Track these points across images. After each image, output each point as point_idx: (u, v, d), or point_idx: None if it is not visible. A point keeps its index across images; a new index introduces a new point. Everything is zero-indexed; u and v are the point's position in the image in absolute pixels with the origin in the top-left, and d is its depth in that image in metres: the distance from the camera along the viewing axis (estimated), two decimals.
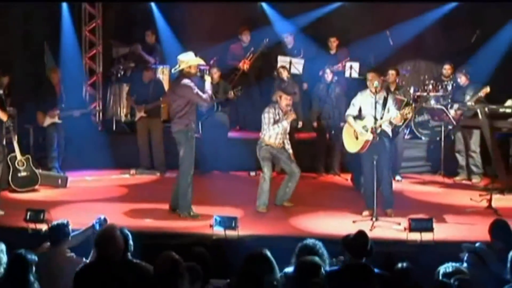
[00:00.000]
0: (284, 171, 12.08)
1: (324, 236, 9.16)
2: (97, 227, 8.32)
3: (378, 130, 10.82)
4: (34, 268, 6.99)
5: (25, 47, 15.11)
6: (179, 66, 11.08)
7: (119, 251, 7.17)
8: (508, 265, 6.58)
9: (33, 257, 7.11)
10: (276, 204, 11.64)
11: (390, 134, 11.16)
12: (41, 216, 9.89)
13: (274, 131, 11.41)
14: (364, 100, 11.09)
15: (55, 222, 8.66)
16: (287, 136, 11.76)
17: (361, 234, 7.66)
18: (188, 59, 11.15)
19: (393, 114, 10.85)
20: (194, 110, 11.18)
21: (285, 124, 11.53)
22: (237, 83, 14.99)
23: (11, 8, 14.45)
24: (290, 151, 11.76)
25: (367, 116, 10.91)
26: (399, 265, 6.91)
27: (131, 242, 7.58)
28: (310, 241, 7.28)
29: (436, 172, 14.33)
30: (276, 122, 11.42)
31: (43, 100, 13.71)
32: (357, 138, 11.12)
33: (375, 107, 10.81)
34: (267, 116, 11.48)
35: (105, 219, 8.42)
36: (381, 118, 10.82)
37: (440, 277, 6.53)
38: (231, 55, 15.79)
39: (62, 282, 7.37)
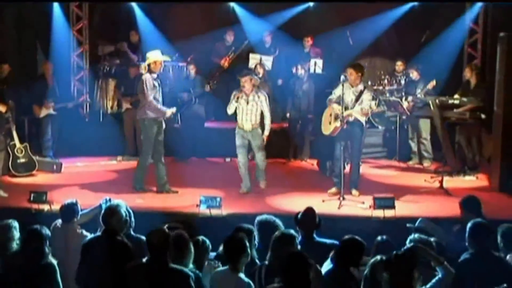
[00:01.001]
0: None
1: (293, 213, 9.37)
2: (104, 206, 8.28)
3: (351, 118, 11.01)
4: (48, 242, 7.08)
5: (18, 44, 15.06)
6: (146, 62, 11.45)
7: (122, 226, 7.36)
8: (467, 234, 6.78)
9: (47, 232, 7.24)
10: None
11: (364, 123, 11.27)
12: (44, 198, 10.09)
13: (239, 110, 11.32)
14: (341, 90, 11.14)
15: (66, 202, 8.83)
16: (255, 119, 11.33)
17: (309, 209, 7.88)
18: (152, 56, 11.43)
19: (364, 105, 11.01)
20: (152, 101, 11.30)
21: (242, 104, 11.27)
22: (218, 78, 15.12)
23: (5, 7, 14.41)
24: (264, 136, 11.48)
25: (342, 105, 11.02)
26: (379, 238, 7.08)
27: (133, 219, 7.80)
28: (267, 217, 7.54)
29: (391, 157, 14.52)
30: (237, 100, 11.26)
31: (38, 93, 13.68)
32: (330, 123, 11.30)
33: (349, 98, 11.06)
34: (232, 99, 11.39)
35: (110, 199, 8.42)
36: (352, 108, 11.02)
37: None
38: (215, 52, 15.81)
39: (73, 254, 7.45)
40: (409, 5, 14.98)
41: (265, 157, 11.55)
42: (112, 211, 7.28)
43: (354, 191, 11.22)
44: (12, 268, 6.98)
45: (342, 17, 15.43)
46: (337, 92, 11.27)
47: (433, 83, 13.55)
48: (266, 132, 11.39)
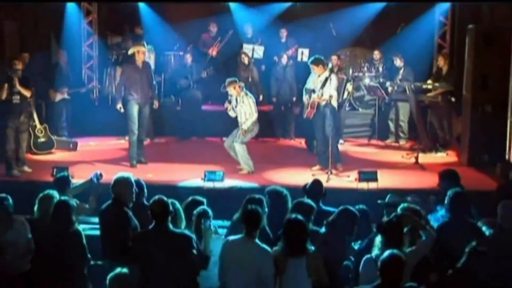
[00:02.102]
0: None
1: (289, 186, 9.53)
2: (95, 180, 8.40)
3: (323, 103, 11.12)
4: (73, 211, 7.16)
5: (35, 35, 15.07)
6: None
7: (129, 196, 7.33)
8: (446, 201, 7.00)
9: (73, 202, 7.34)
10: None
11: (335, 106, 11.32)
12: (65, 172, 10.15)
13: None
14: (311, 79, 11.42)
15: (58, 175, 8.94)
16: (245, 118, 11.26)
17: (317, 181, 8.16)
18: (135, 47, 11.91)
19: (331, 90, 11.11)
20: (131, 86, 11.62)
21: (239, 104, 11.30)
22: (207, 65, 15.12)
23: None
24: (241, 129, 11.34)
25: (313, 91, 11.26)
26: (359, 206, 7.28)
27: (145, 190, 7.93)
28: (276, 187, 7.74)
29: (371, 136, 14.59)
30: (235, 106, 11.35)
31: (53, 79, 13.68)
32: (307, 108, 11.48)
33: (318, 85, 11.16)
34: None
35: (100, 174, 8.47)
36: (321, 93, 11.12)
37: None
38: (202, 43, 15.84)
39: None
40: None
41: (243, 148, 11.39)
42: (118, 183, 7.32)
43: (338, 165, 11.36)
44: (44, 234, 7.08)
45: (326, 11, 15.40)
46: (309, 80, 11.49)
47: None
48: (244, 127, 11.26)
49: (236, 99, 11.31)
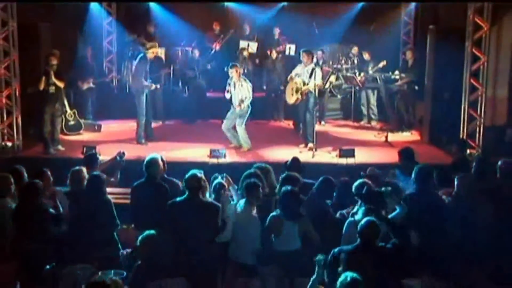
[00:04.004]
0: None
1: (280, 161, 9.66)
2: (118, 158, 8.56)
3: (312, 91, 11.19)
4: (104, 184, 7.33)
5: (63, 33, 14.97)
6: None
7: (161, 172, 7.62)
8: (413, 176, 7.08)
9: (104, 176, 7.49)
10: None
11: (317, 94, 11.31)
12: (93, 150, 10.25)
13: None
14: (298, 70, 11.46)
15: (88, 153, 9.05)
16: (240, 100, 11.26)
17: (296, 158, 8.35)
18: (148, 47, 11.96)
19: (317, 81, 11.16)
20: (141, 77, 11.71)
21: (232, 90, 11.29)
22: (211, 58, 15.18)
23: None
24: (241, 109, 11.38)
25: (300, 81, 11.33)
26: (341, 178, 7.46)
27: (166, 166, 8.08)
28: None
29: (347, 118, 14.67)
30: (233, 87, 11.36)
31: (80, 70, 13.76)
32: (292, 95, 11.54)
33: (305, 75, 11.22)
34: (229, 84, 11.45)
35: (123, 153, 8.62)
36: (308, 83, 11.18)
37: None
38: (207, 39, 15.78)
39: None
40: (361, 4, 15.06)
41: (243, 127, 11.50)
42: (153, 162, 7.49)
43: (310, 144, 11.30)
44: (79, 203, 7.22)
45: (310, 12, 15.40)
46: (295, 70, 11.53)
47: (384, 63, 13.81)
48: (243, 107, 11.24)
49: (235, 83, 11.33)
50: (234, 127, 11.59)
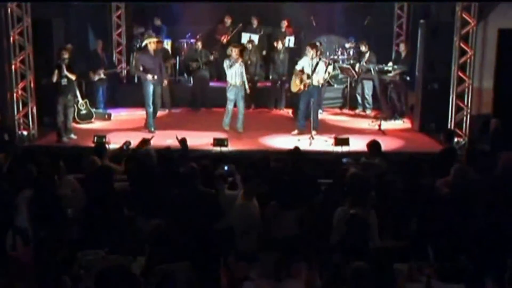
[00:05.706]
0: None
1: (279, 149, 9.77)
2: (125, 147, 8.82)
3: (315, 83, 11.35)
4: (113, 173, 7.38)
5: (75, 28, 15.04)
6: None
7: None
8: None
9: (111, 166, 7.65)
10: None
11: (320, 85, 11.60)
12: (104, 139, 10.42)
13: (229, 72, 11.59)
14: (304, 62, 11.54)
15: (97, 141, 9.16)
16: (244, 77, 11.67)
17: (296, 147, 8.51)
18: (149, 39, 12.06)
19: (320, 74, 11.36)
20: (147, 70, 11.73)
21: (237, 66, 11.48)
22: (219, 50, 15.03)
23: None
24: (247, 90, 11.88)
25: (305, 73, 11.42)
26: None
27: None
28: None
29: (343, 107, 14.71)
30: (230, 66, 11.56)
31: (92, 62, 13.82)
32: (297, 84, 11.61)
33: (309, 68, 11.31)
34: (224, 64, 11.70)
35: (130, 142, 8.94)
36: (312, 75, 11.29)
37: None
38: (218, 31, 15.78)
39: None
40: None
41: (244, 105, 11.84)
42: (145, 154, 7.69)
43: (313, 132, 11.38)
44: (90, 190, 7.30)
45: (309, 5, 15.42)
46: (300, 63, 11.58)
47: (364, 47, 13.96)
48: (246, 86, 11.74)
49: (232, 63, 11.48)
50: None
